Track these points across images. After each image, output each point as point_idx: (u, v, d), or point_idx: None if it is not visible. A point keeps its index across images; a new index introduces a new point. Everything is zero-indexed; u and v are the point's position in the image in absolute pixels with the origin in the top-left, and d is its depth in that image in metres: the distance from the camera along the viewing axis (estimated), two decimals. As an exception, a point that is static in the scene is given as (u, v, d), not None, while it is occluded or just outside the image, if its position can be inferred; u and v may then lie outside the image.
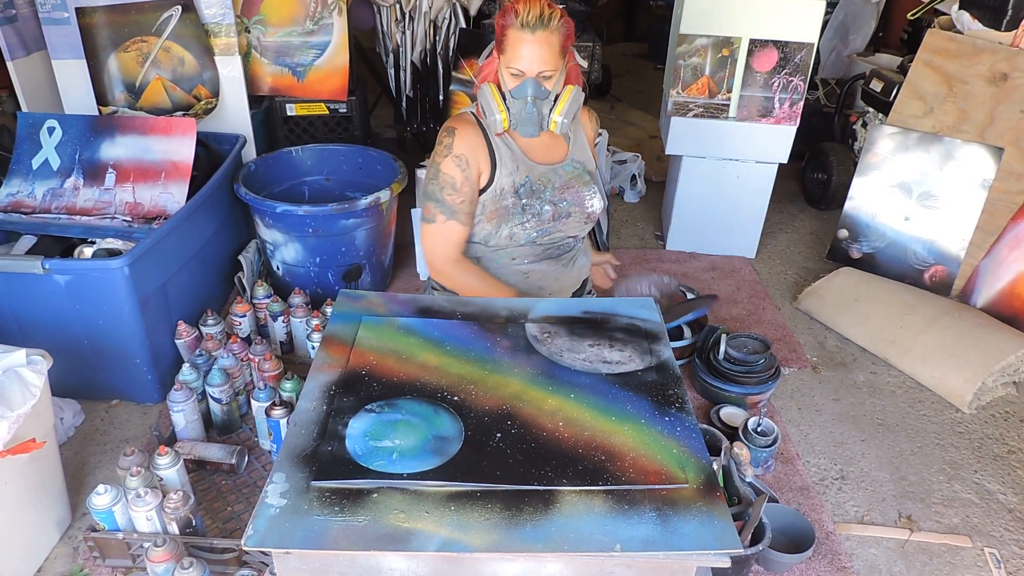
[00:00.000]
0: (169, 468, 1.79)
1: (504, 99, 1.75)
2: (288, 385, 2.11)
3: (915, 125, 3.01)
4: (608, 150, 3.95)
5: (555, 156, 1.89)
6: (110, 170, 2.65)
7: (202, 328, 2.43)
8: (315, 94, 3.37)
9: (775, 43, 3.00)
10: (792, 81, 3.04)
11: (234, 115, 3.10)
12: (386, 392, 1.29)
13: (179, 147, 2.63)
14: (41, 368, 1.70)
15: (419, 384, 1.32)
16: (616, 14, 7.39)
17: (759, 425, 2.17)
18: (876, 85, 3.54)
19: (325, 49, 3.28)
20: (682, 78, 3.12)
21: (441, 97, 3.79)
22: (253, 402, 2.09)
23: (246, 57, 3.22)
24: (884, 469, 2.25)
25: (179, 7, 2.90)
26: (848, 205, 3.15)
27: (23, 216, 2.59)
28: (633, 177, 4.03)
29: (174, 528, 1.71)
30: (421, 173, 2.91)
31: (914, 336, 2.69)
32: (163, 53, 2.96)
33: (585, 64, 4.00)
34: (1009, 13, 2.80)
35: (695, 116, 3.16)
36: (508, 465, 1.16)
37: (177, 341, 2.39)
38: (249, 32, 3.21)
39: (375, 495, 1.09)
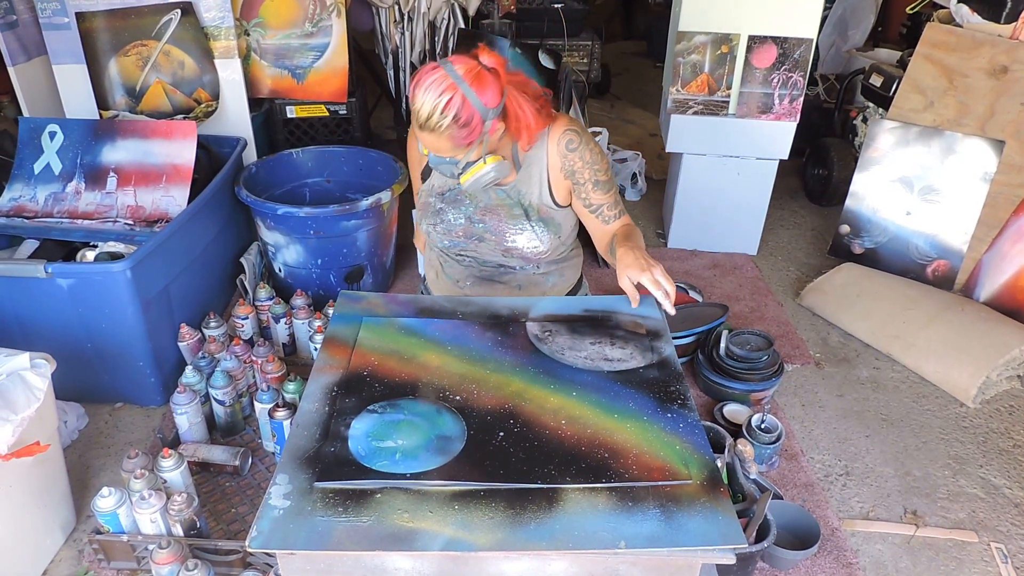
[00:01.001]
0: (173, 470, 1.79)
1: None
2: (291, 387, 2.11)
3: (915, 119, 3.01)
4: (608, 148, 3.96)
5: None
6: (111, 174, 2.66)
7: (205, 330, 2.43)
8: (315, 96, 3.37)
9: (774, 39, 3.00)
10: (792, 77, 3.03)
11: (234, 118, 3.10)
12: (388, 392, 1.29)
13: (180, 150, 2.64)
14: (45, 371, 1.70)
15: (421, 384, 1.32)
16: (615, 12, 7.38)
17: (763, 422, 2.17)
18: (876, 80, 3.53)
19: (324, 51, 3.28)
20: (681, 75, 3.12)
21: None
22: (256, 404, 2.09)
23: (246, 60, 3.22)
24: (889, 465, 2.25)
25: (179, 11, 2.90)
26: (849, 200, 3.15)
27: (25, 220, 2.59)
28: (634, 175, 4.03)
29: (178, 530, 1.71)
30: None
31: (917, 331, 2.68)
32: (163, 57, 2.97)
33: (585, 64, 4.00)
34: (1008, 5, 2.80)
35: (695, 113, 3.16)
36: (511, 464, 1.16)
37: (180, 344, 2.40)
38: (248, 35, 3.22)
39: (379, 495, 1.10)
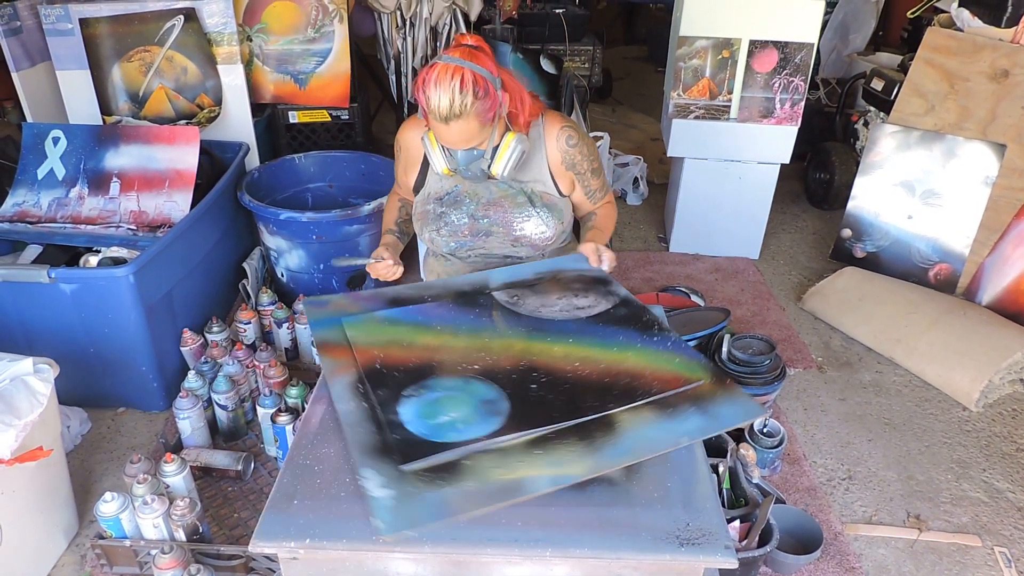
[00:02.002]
0: (175, 475, 1.79)
1: (444, 148, 1.71)
2: (293, 391, 2.12)
3: (917, 123, 3.01)
4: (610, 153, 3.96)
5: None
6: (115, 179, 2.66)
7: (207, 335, 2.43)
8: (317, 101, 3.38)
9: (775, 44, 3.00)
10: (793, 81, 3.04)
11: (237, 123, 3.11)
12: (411, 378, 1.32)
13: (183, 156, 2.65)
14: (48, 376, 1.71)
15: (436, 363, 1.37)
16: (616, 17, 7.40)
17: (765, 426, 2.17)
18: (877, 84, 3.54)
19: (327, 56, 3.29)
20: (683, 80, 3.13)
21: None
22: (259, 409, 2.09)
23: (248, 65, 3.23)
24: (892, 469, 2.25)
25: (181, 17, 2.91)
26: (851, 204, 3.15)
27: (29, 226, 2.60)
28: (635, 180, 4.03)
29: (181, 535, 1.71)
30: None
31: (919, 335, 2.68)
32: (166, 62, 2.98)
33: (587, 67, 4.01)
34: (1009, 9, 2.80)
35: (696, 118, 3.16)
36: (558, 407, 1.25)
37: (182, 349, 2.40)
38: (251, 40, 3.23)
39: (467, 462, 1.14)
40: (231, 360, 2.26)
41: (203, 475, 2.06)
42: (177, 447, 2.14)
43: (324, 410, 1.30)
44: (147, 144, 2.69)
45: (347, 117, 3.41)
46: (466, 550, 1.04)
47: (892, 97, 3.25)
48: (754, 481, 1.93)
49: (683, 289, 3.05)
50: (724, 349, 2.38)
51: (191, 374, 2.18)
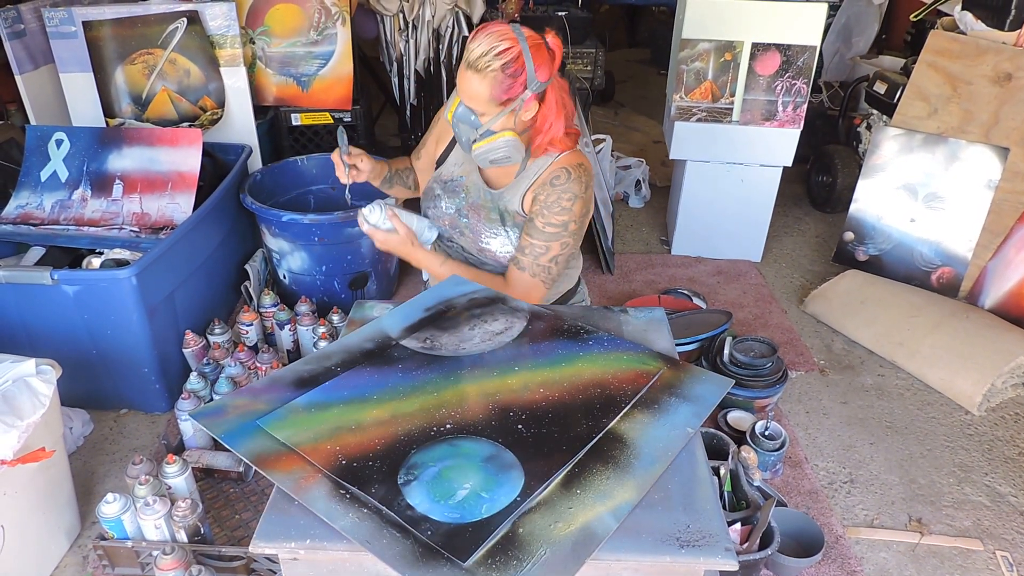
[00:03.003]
0: (177, 476, 1.79)
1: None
2: (295, 393, 2.11)
3: (919, 127, 3.01)
4: (612, 156, 3.96)
5: (496, 179, 1.78)
6: (117, 181, 2.67)
7: (209, 337, 2.44)
8: (320, 104, 3.39)
9: (777, 46, 3.01)
10: (795, 84, 3.04)
11: (240, 125, 3.12)
12: (392, 462, 1.16)
13: (185, 158, 2.65)
14: (50, 378, 1.71)
15: (403, 437, 1.21)
16: (618, 20, 7.41)
17: (767, 429, 2.17)
18: (880, 87, 3.54)
19: (329, 59, 3.30)
20: (685, 83, 3.13)
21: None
22: (260, 410, 2.09)
23: (251, 68, 3.24)
24: (893, 472, 2.24)
25: (185, 19, 2.92)
26: (853, 207, 3.15)
27: (32, 228, 2.61)
28: (637, 182, 4.03)
29: (182, 536, 1.72)
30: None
31: (922, 338, 2.68)
32: (169, 65, 2.99)
33: (588, 72, 4.01)
34: (1012, 13, 2.80)
35: (699, 120, 3.16)
36: (557, 439, 1.20)
37: (185, 350, 2.40)
38: (254, 43, 3.24)
39: (522, 530, 1.04)
40: (233, 362, 2.27)
41: (205, 476, 2.06)
42: (179, 448, 2.14)
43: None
44: (150, 146, 2.70)
45: (350, 119, 3.42)
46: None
47: (895, 100, 3.25)
48: (755, 484, 1.93)
49: (685, 292, 3.05)
50: (726, 352, 2.38)
51: (193, 375, 2.19)
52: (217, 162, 2.89)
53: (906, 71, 3.45)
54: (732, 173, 3.26)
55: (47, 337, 2.22)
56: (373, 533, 1.04)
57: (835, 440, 2.37)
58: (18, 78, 2.88)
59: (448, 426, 1.23)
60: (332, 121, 3.42)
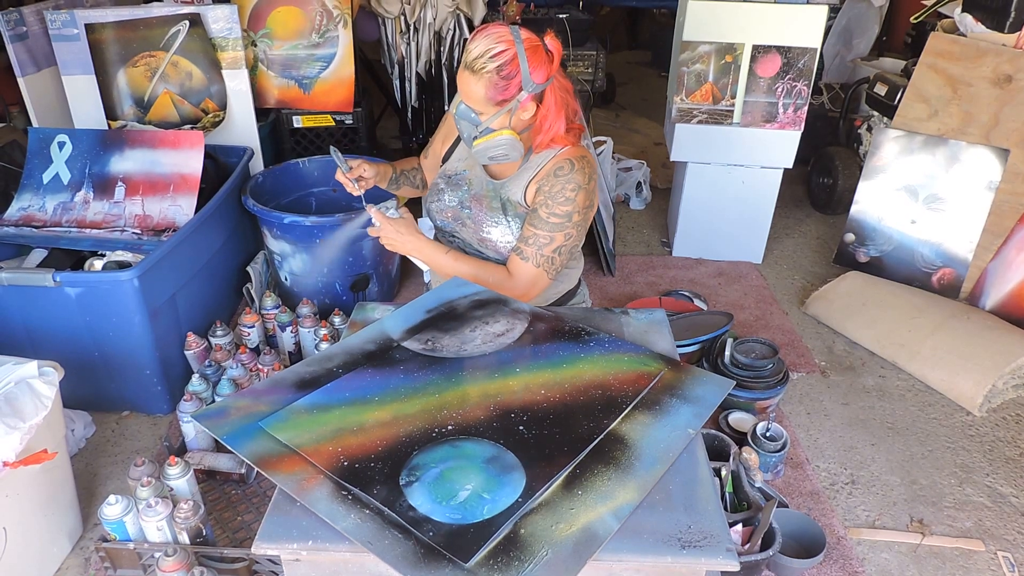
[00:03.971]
0: (179, 478, 1.80)
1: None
2: (297, 394, 2.12)
3: (920, 128, 3.01)
4: (613, 158, 3.97)
5: (496, 172, 1.80)
6: (119, 183, 2.68)
7: (211, 339, 2.44)
8: (321, 106, 3.39)
9: (778, 49, 3.01)
10: (796, 86, 3.04)
11: (241, 128, 3.12)
12: (394, 463, 1.16)
13: (187, 160, 2.66)
14: (53, 380, 1.72)
15: (405, 439, 1.21)
16: (619, 22, 7.42)
17: (768, 430, 2.17)
18: (880, 89, 3.54)
19: (331, 61, 3.30)
20: (686, 85, 3.13)
21: (446, 108, 3.81)
22: (262, 412, 2.09)
23: (253, 70, 3.25)
24: (895, 473, 2.24)
25: (187, 22, 2.93)
26: (854, 209, 3.15)
27: (34, 230, 2.61)
28: (638, 184, 4.04)
29: (184, 538, 1.72)
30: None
31: (923, 339, 2.68)
32: (171, 67, 2.99)
33: (590, 74, 4.02)
34: (1012, 15, 2.80)
35: (699, 122, 3.17)
36: (558, 440, 1.19)
37: (186, 352, 2.41)
38: (256, 46, 3.25)
39: (523, 531, 1.04)
40: (235, 363, 2.27)
41: (207, 478, 2.06)
42: (181, 450, 2.15)
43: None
44: (152, 148, 2.70)
45: (351, 122, 3.43)
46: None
47: (895, 102, 3.26)
48: (757, 485, 1.93)
49: (686, 293, 3.05)
50: (727, 353, 2.38)
51: (195, 377, 2.19)
52: (219, 164, 2.90)
53: (906, 73, 3.46)
54: (733, 175, 3.26)
55: (49, 339, 2.22)
56: (375, 534, 1.04)
57: (836, 441, 2.37)
58: (20, 80, 2.88)
59: (450, 427, 1.23)
60: (333, 123, 3.43)
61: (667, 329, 1.55)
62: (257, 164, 3.14)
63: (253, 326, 2.54)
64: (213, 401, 2.17)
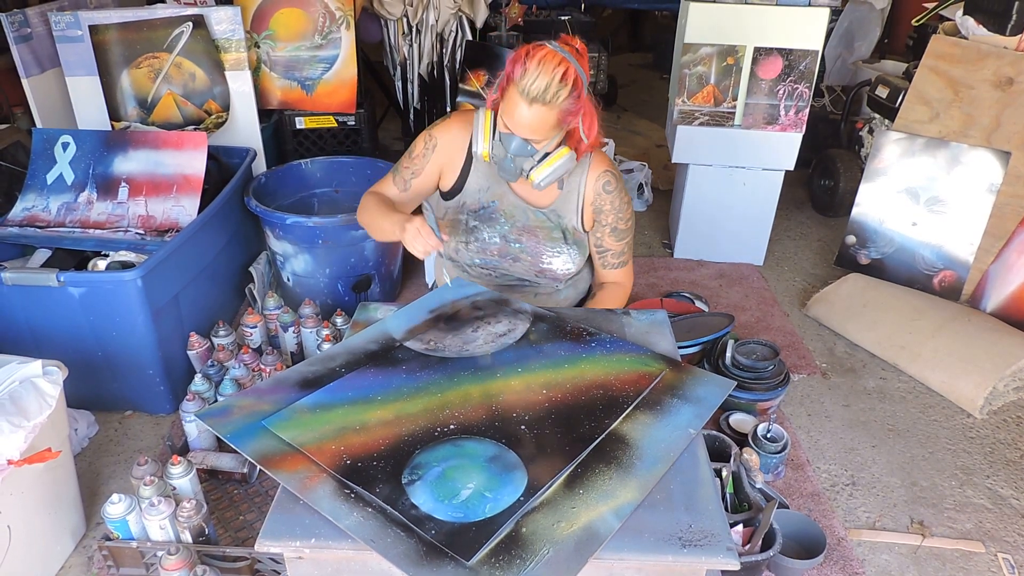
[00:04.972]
0: (182, 477, 1.80)
1: (495, 132, 1.65)
2: (299, 395, 2.12)
3: (921, 131, 3.02)
4: (615, 159, 3.97)
5: (537, 197, 1.78)
6: (123, 184, 2.69)
7: (214, 339, 2.45)
8: (324, 107, 3.41)
9: (780, 51, 3.01)
10: (797, 88, 3.05)
11: (244, 129, 3.14)
12: (396, 462, 1.17)
13: (191, 161, 2.67)
14: (57, 379, 1.72)
15: (408, 438, 1.22)
16: (621, 24, 7.43)
17: (769, 431, 2.17)
18: (882, 91, 3.55)
19: (333, 63, 3.32)
20: (687, 87, 3.14)
21: (448, 109, 3.82)
22: (264, 412, 2.10)
23: (256, 72, 3.26)
24: (895, 475, 2.25)
25: (190, 23, 2.94)
26: (855, 211, 3.15)
27: (38, 230, 2.62)
28: (640, 186, 4.04)
29: (187, 537, 1.72)
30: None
31: (924, 341, 2.68)
32: (174, 69, 3.01)
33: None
34: (1014, 18, 2.81)
35: (701, 124, 3.17)
36: (560, 439, 1.20)
37: (189, 352, 2.42)
38: (259, 47, 3.26)
39: (525, 529, 1.05)
40: (237, 364, 2.28)
41: (209, 477, 2.07)
42: (183, 450, 2.15)
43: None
44: (155, 149, 2.71)
45: (353, 123, 3.44)
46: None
47: (897, 104, 3.26)
48: (757, 486, 1.93)
49: (687, 295, 3.06)
50: (728, 355, 2.38)
51: (198, 377, 2.20)
52: (222, 165, 2.91)
53: (908, 75, 3.46)
54: (734, 177, 3.27)
55: (53, 339, 2.23)
56: (377, 532, 1.05)
57: (837, 443, 2.37)
58: (24, 82, 2.90)
59: (452, 427, 1.24)
60: (336, 125, 3.44)
61: (668, 330, 1.55)
62: (260, 165, 3.15)
63: (256, 326, 2.54)
64: (215, 401, 2.18)
